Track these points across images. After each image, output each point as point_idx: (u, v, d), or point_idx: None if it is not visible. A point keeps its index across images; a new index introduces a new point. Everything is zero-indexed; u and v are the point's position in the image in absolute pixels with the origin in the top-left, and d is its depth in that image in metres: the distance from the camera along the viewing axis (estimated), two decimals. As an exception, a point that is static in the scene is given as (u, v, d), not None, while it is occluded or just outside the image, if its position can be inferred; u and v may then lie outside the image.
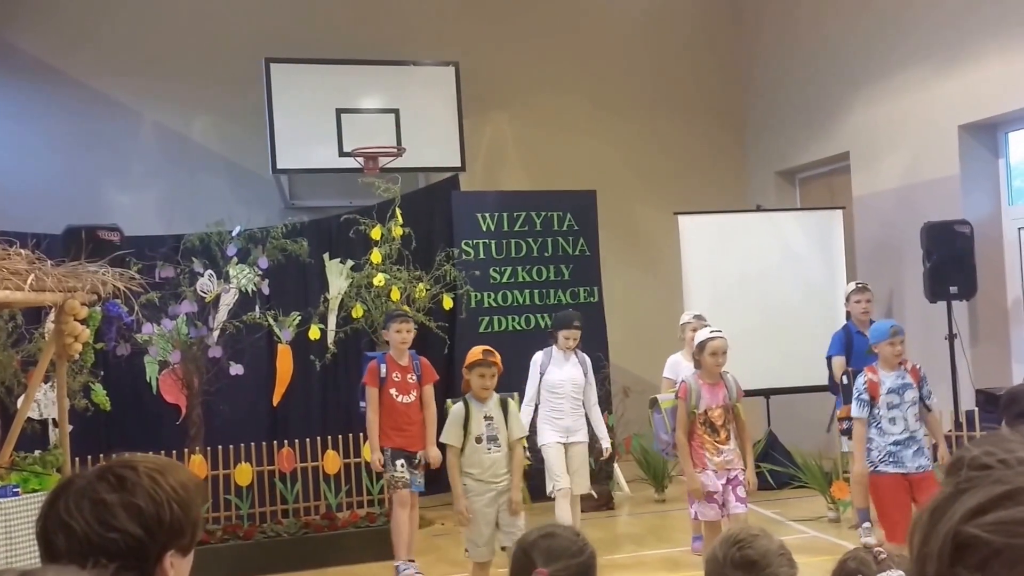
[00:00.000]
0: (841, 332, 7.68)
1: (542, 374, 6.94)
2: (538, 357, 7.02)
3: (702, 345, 6.19)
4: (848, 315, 7.92)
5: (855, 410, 6.11)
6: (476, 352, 5.72)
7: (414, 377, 6.89)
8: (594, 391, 7.14)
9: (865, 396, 6.01)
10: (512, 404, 5.81)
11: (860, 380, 6.09)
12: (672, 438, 6.30)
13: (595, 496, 8.10)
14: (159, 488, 1.62)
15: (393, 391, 6.80)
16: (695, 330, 7.21)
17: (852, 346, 7.67)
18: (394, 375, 6.81)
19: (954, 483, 0.83)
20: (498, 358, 5.70)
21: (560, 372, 6.95)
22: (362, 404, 7.05)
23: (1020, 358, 8.75)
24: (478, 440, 5.65)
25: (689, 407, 6.11)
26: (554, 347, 7.02)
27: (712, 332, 6.23)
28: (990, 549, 0.76)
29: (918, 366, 6.12)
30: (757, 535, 2.41)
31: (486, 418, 5.65)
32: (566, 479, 6.78)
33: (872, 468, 6.04)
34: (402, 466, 6.71)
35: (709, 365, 6.13)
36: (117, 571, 1.47)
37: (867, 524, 7.08)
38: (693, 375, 6.26)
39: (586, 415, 7.06)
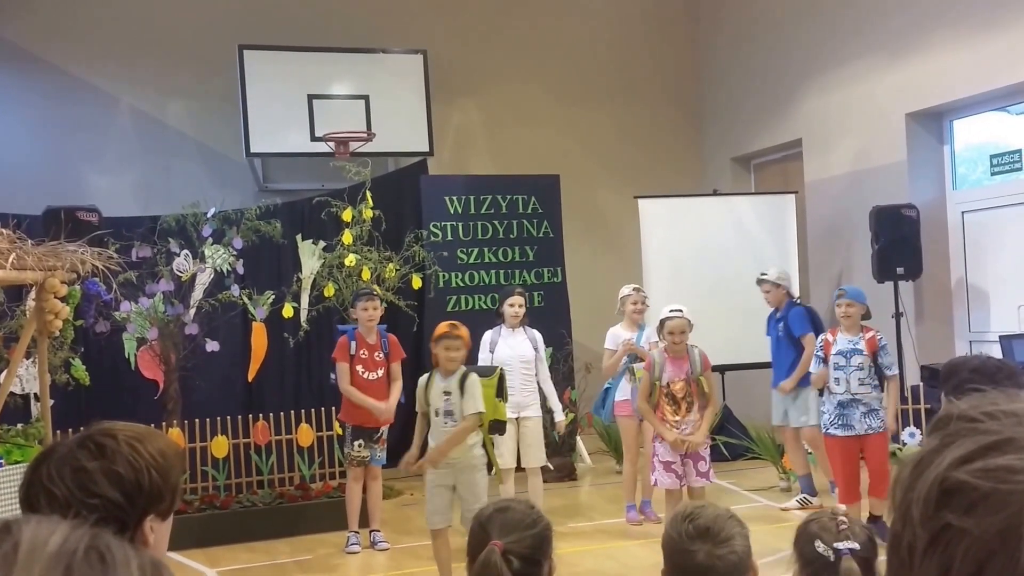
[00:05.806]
0: (803, 309, 7.76)
1: (492, 352, 6.93)
2: (487, 335, 7.03)
3: (662, 323, 6.35)
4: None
5: (813, 365, 6.63)
6: (443, 326, 5.75)
7: (381, 355, 6.97)
8: (544, 365, 7.12)
9: (820, 354, 6.50)
10: (471, 380, 5.66)
11: (819, 339, 6.65)
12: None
13: (551, 468, 8.22)
14: (138, 455, 1.66)
15: (360, 368, 6.89)
16: (635, 303, 7.36)
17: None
18: (361, 352, 6.90)
19: (940, 436, 0.84)
20: (464, 332, 5.69)
21: (508, 348, 6.94)
22: (332, 376, 7.19)
23: (962, 335, 9.07)
24: (436, 413, 5.65)
25: (653, 378, 6.31)
26: (502, 325, 7.05)
27: (671, 311, 6.32)
28: (977, 494, 0.77)
29: (878, 337, 6.44)
30: (702, 505, 2.50)
31: (444, 392, 5.63)
32: (509, 459, 6.73)
33: (824, 431, 6.45)
34: (360, 446, 6.87)
35: (668, 343, 6.30)
36: (96, 523, 1.71)
37: (804, 495, 7.40)
38: (660, 350, 6.43)
39: (541, 390, 7.05)
